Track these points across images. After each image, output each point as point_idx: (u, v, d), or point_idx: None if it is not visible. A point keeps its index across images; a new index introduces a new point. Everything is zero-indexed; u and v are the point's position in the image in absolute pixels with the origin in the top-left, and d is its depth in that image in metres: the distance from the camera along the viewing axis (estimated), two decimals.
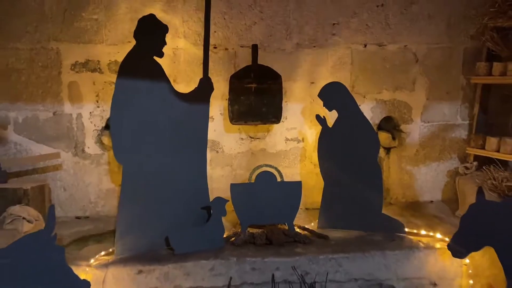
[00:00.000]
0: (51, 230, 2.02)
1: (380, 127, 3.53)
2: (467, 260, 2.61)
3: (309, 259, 2.55)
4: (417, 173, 3.58)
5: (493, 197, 2.89)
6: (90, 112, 3.23)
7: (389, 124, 3.55)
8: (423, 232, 2.88)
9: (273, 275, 2.51)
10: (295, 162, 3.46)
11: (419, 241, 2.77)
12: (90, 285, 2.10)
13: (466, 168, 3.39)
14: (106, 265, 2.45)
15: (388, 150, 3.55)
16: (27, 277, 1.93)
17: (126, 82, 2.59)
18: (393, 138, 3.50)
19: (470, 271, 2.63)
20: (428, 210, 3.42)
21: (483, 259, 2.63)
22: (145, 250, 2.60)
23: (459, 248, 2.52)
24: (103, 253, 2.60)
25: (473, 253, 2.57)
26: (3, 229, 2.55)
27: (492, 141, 3.25)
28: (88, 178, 3.27)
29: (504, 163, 3.22)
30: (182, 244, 2.59)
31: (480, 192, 2.56)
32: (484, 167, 3.27)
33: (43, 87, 3.17)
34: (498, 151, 3.21)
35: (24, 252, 1.94)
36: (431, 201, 3.58)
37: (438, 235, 2.77)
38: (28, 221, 2.60)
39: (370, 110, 3.46)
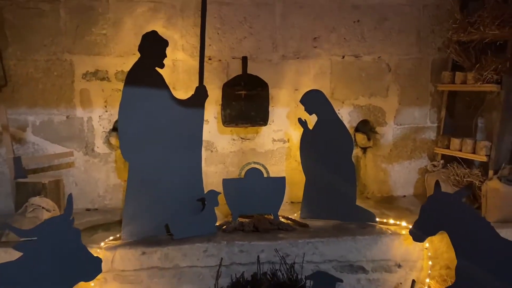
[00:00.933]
0: (69, 214, 2.38)
1: (358, 129, 3.86)
2: (427, 244, 2.95)
3: (289, 243, 2.89)
4: (391, 171, 3.93)
5: (450, 189, 3.23)
6: (99, 116, 3.57)
7: (366, 127, 3.89)
8: (391, 221, 3.23)
9: (258, 257, 2.84)
10: (281, 160, 3.80)
11: (387, 228, 3.13)
12: (101, 261, 2.47)
13: (434, 165, 3.75)
14: (114, 248, 2.79)
15: (364, 149, 3.90)
16: (50, 252, 2.30)
17: (132, 90, 2.91)
18: (369, 139, 3.84)
19: (429, 254, 2.97)
20: (400, 203, 3.76)
21: (441, 244, 2.98)
22: (148, 235, 2.93)
23: (419, 233, 2.89)
24: (111, 238, 2.94)
25: (432, 238, 2.93)
26: (25, 216, 2.92)
27: (455, 142, 3.61)
28: (97, 175, 3.62)
29: (468, 161, 3.59)
30: (180, 230, 2.92)
31: (437, 185, 2.93)
32: (449, 165, 3.64)
33: (58, 93, 3.52)
34: (460, 150, 3.57)
35: (48, 231, 2.31)
36: (404, 196, 3.92)
37: (404, 223, 3.10)
38: (47, 210, 2.96)
39: (348, 114, 3.80)
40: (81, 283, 2.44)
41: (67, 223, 2.36)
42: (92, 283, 2.68)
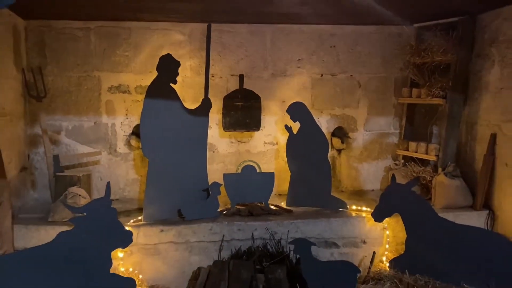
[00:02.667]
0: (108, 197, 3.03)
1: (334, 134, 4.55)
2: (385, 225, 3.67)
3: (277, 223, 3.57)
4: (361, 169, 4.62)
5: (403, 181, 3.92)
6: (121, 122, 4.23)
7: (340, 132, 4.58)
8: (357, 207, 3.95)
9: (252, 234, 3.52)
10: (271, 159, 4.48)
11: (355, 212, 3.85)
12: (132, 233, 3.13)
13: (396, 164, 4.47)
14: (138, 227, 3.45)
15: (339, 151, 4.60)
16: (95, 225, 2.94)
17: (151, 101, 3.55)
18: (343, 143, 4.53)
19: (387, 232, 3.67)
20: (369, 195, 4.43)
21: (397, 225, 3.65)
22: (164, 218, 3.59)
23: (378, 215, 3.58)
24: (132, 221, 3.61)
25: (389, 220, 3.63)
26: (66, 202, 3.58)
27: (412, 145, 4.34)
28: (118, 171, 4.26)
29: (424, 160, 4.26)
30: (190, 213, 3.59)
31: (393, 177, 3.65)
32: (407, 164, 4.36)
33: (87, 104, 4.18)
34: (416, 152, 4.31)
35: (93, 209, 2.96)
36: (372, 190, 4.60)
37: (368, 209, 3.82)
38: (83, 197, 3.62)
39: (326, 122, 4.48)
40: (114, 255, 3.09)
41: (107, 203, 3.01)
42: (121, 254, 3.35)
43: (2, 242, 3.20)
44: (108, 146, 4.26)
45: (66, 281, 2.74)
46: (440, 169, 4.01)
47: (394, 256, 3.51)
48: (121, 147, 4.28)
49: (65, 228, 2.94)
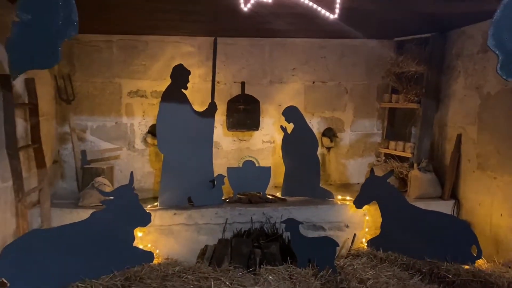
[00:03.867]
0: (132, 184, 3.62)
1: (324, 134, 5.13)
2: (365, 211, 4.23)
3: (272, 209, 4.14)
4: (348, 165, 5.20)
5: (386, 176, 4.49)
6: (139, 122, 4.83)
7: (329, 132, 5.16)
8: (341, 197, 4.51)
9: (251, 218, 4.09)
10: (268, 156, 5.06)
11: (340, 201, 4.43)
12: (151, 214, 3.71)
13: (378, 161, 5.06)
14: (155, 210, 4.03)
15: (328, 149, 5.18)
16: (121, 206, 3.52)
17: (166, 105, 4.12)
18: (332, 141, 5.13)
19: (367, 218, 4.25)
20: (354, 188, 4.93)
21: (376, 212, 4.19)
22: (176, 204, 4.15)
23: (358, 203, 4.15)
24: (149, 206, 4.19)
25: (369, 207, 4.19)
26: (94, 190, 4.17)
27: (392, 144, 4.92)
28: (136, 164, 4.83)
29: (403, 157, 4.82)
30: (199, 200, 4.18)
31: (371, 170, 4.23)
32: (387, 160, 4.95)
33: (110, 106, 4.77)
34: (395, 150, 4.90)
35: (119, 193, 3.55)
36: (358, 183, 5.11)
37: (351, 199, 4.38)
38: (107, 186, 4.22)
39: (317, 123, 5.07)
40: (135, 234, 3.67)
41: (131, 189, 3.61)
42: (140, 234, 3.93)
43: (43, 220, 3.81)
44: (127, 143, 4.85)
45: (97, 251, 3.33)
46: (415, 165, 4.59)
47: (372, 237, 4.10)
48: (138, 144, 4.87)
49: (92, 211, 3.52)
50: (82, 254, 3.26)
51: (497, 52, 2.53)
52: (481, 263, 3.60)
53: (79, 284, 3.11)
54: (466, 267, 3.46)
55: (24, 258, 3.00)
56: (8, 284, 2.93)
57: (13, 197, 3.34)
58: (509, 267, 3.44)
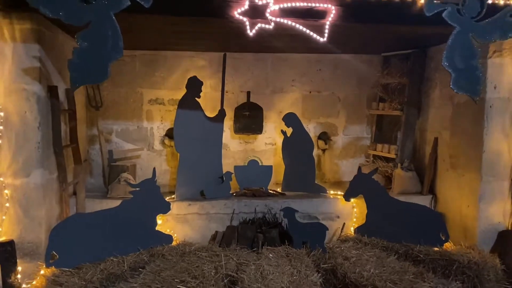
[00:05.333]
0: (154, 177, 4.24)
1: (319, 137, 5.72)
2: (354, 204, 4.82)
3: (273, 201, 4.73)
4: (341, 165, 5.80)
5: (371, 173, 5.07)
6: (157, 126, 5.45)
7: (324, 136, 5.75)
8: (336, 192, 5.15)
9: (255, 209, 4.67)
10: (270, 156, 5.66)
11: (332, 195, 5.05)
12: (170, 204, 4.35)
13: (367, 161, 5.68)
14: (172, 202, 4.64)
15: (323, 151, 5.78)
16: (145, 196, 4.14)
17: (181, 111, 4.74)
18: (326, 144, 5.76)
19: (355, 210, 4.85)
20: (346, 185, 5.31)
21: (362, 204, 4.72)
22: (190, 196, 4.77)
23: (347, 196, 4.75)
24: (167, 198, 4.81)
25: (355, 199, 4.72)
26: (120, 184, 4.80)
27: (379, 146, 5.55)
28: (154, 163, 5.38)
29: (389, 158, 5.46)
30: (210, 193, 4.80)
31: (359, 168, 4.86)
32: (375, 161, 5.57)
33: (132, 112, 5.40)
34: (382, 151, 5.52)
35: (144, 185, 4.18)
36: (349, 181, 5.79)
37: (342, 193, 5.00)
38: (132, 181, 4.85)
39: (313, 128, 5.67)
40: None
41: (154, 182, 4.25)
42: (159, 222, 4.54)
43: (78, 209, 4.45)
44: (147, 144, 5.49)
45: (126, 233, 3.97)
46: (399, 165, 5.20)
47: (358, 225, 4.71)
48: (157, 145, 5.51)
49: (119, 202, 4.12)
50: (114, 234, 3.89)
51: (450, 70, 3.18)
52: (449, 246, 4.20)
53: (113, 259, 3.75)
54: (436, 249, 4.07)
55: (69, 236, 3.65)
56: (57, 256, 3.59)
57: (58, 187, 3.99)
58: (472, 249, 4.04)
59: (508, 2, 3.41)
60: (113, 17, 2.83)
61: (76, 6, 2.79)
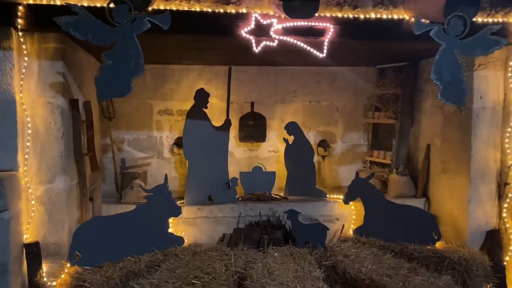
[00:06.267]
0: (166, 183, 4.54)
1: (319, 145, 6.03)
2: (352, 206, 5.13)
3: (277, 205, 5.00)
4: (340, 170, 6.10)
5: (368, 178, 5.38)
6: (166, 136, 5.76)
7: (324, 143, 6.06)
8: (334, 195, 5.44)
9: (260, 212, 4.96)
10: (273, 163, 5.95)
11: (332, 199, 5.35)
12: (181, 208, 4.64)
13: (364, 167, 5.99)
14: (182, 206, 4.94)
15: (323, 157, 6.09)
16: (159, 201, 4.42)
17: (190, 121, 5.04)
18: (325, 151, 6.09)
19: (353, 212, 5.15)
20: (345, 190, 5.69)
21: (360, 206, 5.01)
22: (199, 201, 5.07)
23: (346, 199, 5.05)
24: (178, 203, 5.10)
25: (353, 202, 5.01)
26: (133, 190, 5.09)
27: (375, 153, 5.87)
28: (164, 170, 5.68)
29: (385, 164, 5.78)
30: (217, 198, 5.10)
31: (357, 173, 5.14)
32: (371, 166, 5.89)
33: (143, 122, 5.71)
34: (378, 157, 5.85)
35: (157, 191, 4.47)
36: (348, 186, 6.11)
37: (341, 197, 5.31)
38: (144, 187, 5.15)
39: (313, 136, 5.98)
40: None
41: (166, 187, 4.53)
42: (171, 224, 4.84)
43: (95, 213, 4.74)
44: (157, 152, 5.79)
45: (141, 234, 4.26)
46: (394, 170, 5.51)
47: (357, 227, 5.01)
48: (166, 154, 5.82)
49: (132, 207, 4.41)
50: (130, 236, 4.18)
51: (437, 83, 3.51)
52: (440, 244, 4.50)
53: (130, 258, 4.04)
54: (429, 247, 4.38)
55: (90, 237, 3.95)
56: (80, 256, 3.89)
57: (78, 193, 4.29)
58: (462, 247, 4.34)
59: (486, 20, 3.79)
60: (136, 38, 3.16)
61: (103, 29, 3.12)
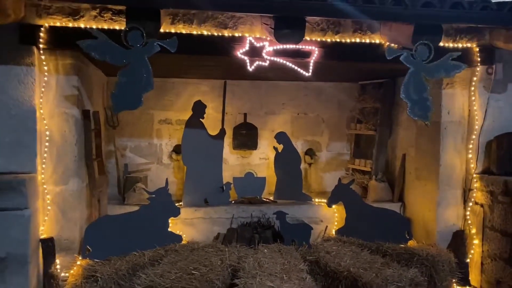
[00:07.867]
0: (167, 186, 5.00)
1: (306, 153, 6.53)
2: (335, 210, 5.59)
3: (267, 207, 5.46)
4: (324, 177, 6.60)
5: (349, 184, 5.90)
6: (166, 143, 6.21)
7: (311, 152, 6.54)
8: (320, 200, 5.95)
9: (251, 214, 5.41)
10: (264, 169, 6.40)
11: (317, 203, 5.84)
12: (180, 209, 5.10)
13: (346, 174, 6.49)
14: (180, 208, 5.42)
15: (310, 165, 6.58)
16: (160, 203, 4.89)
17: (188, 130, 5.52)
18: (312, 159, 6.59)
19: (336, 214, 5.63)
20: (329, 194, 6.37)
21: (342, 209, 5.52)
22: (196, 204, 5.52)
23: (329, 203, 5.53)
24: (176, 205, 5.57)
25: (336, 206, 5.55)
26: (135, 192, 5.53)
27: (356, 161, 6.38)
28: (163, 175, 6.09)
29: (365, 171, 6.32)
30: (213, 201, 5.57)
31: (339, 179, 5.66)
32: (353, 173, 6.41)
33: (144, 131, 6.16)
34: (359, 165, 6.37)
35: (159, 193, 4.91)
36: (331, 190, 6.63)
37: (325, 201, 5.81)
38: (146, 190, 5.60)
39: (301, 145, 6.46)
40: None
41: (166, 190, 4.98)
42: (170, 224, 5.28)
43: (101, 213, 5.17)
44: (157, 159, 6.24)
45: (144, 232, 4.70)
46: (373, 177, 6.03)
47: (338, 227, 5.50)
48: (165, 160, 6.27)
49: (135, 208, 4.88)
50: (135, 233, 4.62)
51: (406, 101, 4.04)
52: (412, 243, 5.02)
53: (135, 253, 4.48)
54: (402, 245, 4.89)
55: (100, 233, 4.40)
56: (91, 250, 4.33)
57: (87, 194, 4.74)
58: (432, 246, 4.86)
59: (452, 45, 4.37)
60: (147, 60, 3.65)
61: (119, 51, 3.60)
